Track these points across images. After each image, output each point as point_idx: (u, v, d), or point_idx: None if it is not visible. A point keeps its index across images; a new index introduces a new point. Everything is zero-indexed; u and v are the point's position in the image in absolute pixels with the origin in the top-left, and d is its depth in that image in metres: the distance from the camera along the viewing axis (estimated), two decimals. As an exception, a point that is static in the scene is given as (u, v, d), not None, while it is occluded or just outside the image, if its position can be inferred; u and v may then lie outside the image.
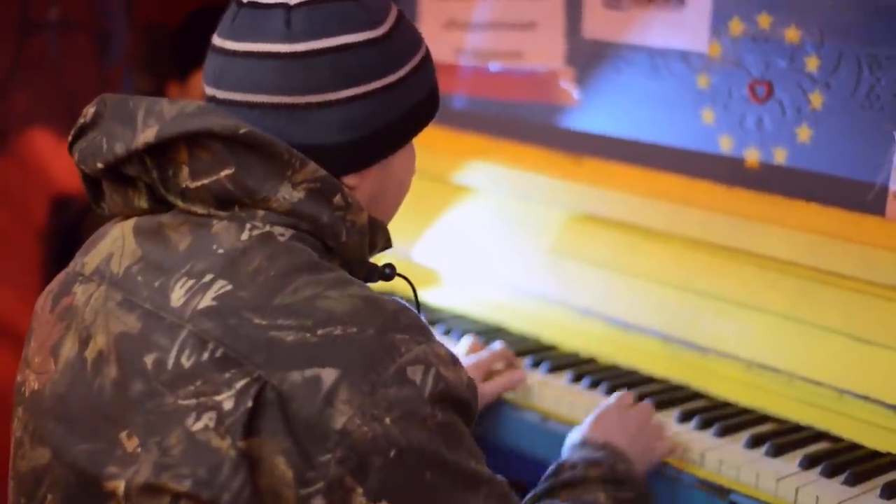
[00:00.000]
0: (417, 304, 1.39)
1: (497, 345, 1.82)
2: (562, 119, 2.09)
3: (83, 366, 1.17)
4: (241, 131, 1.14)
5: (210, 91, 1.22)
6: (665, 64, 1.91)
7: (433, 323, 2.01)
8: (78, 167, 1.23)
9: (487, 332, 1.96)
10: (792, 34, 1.75)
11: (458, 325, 2.00)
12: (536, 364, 1.85)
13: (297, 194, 1.16)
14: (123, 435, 1.12)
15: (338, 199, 1.18)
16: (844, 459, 1.53)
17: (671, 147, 1.92)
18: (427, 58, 1.27)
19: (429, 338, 1.14)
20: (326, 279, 1.13)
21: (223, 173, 1.15)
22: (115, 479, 1.11)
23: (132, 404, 1.11)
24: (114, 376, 1.14)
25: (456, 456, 1.13)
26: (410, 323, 1.13)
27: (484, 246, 2.12)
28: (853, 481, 1.47)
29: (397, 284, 1.36)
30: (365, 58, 1.19)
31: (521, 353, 1.88)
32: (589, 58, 2.03)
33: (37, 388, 1.22)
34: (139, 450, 1.10)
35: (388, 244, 1.28)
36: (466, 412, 1.16)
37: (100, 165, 1.19)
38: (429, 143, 2.28)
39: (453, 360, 1.15)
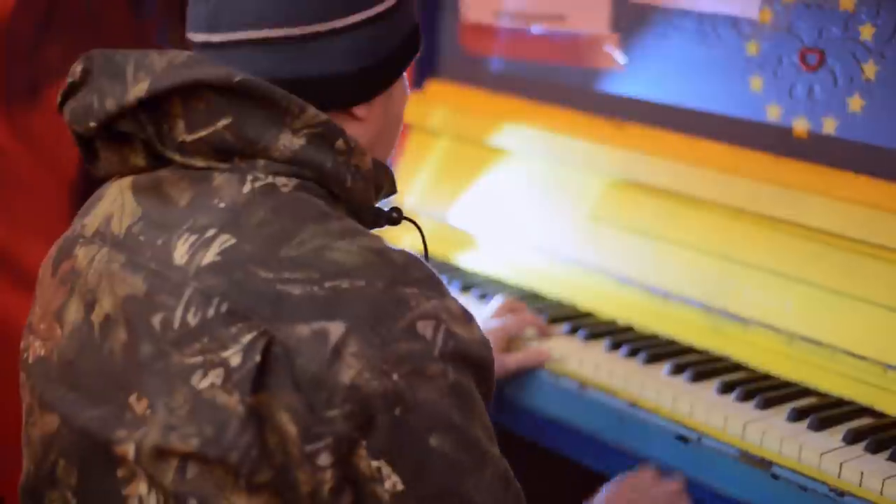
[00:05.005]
0: (426, 249, 1.36)
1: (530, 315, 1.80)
2: (605, 84, 2.05)
3: (90, 330, 1.15)
4: (236, 79, 1.11)
5: (201, 37, 1.17)
6: (714, 30, 1.88)
7: (468, 287, 1.99)
8: (70, 128, 1.19)
9: (523, 298, 1.93)
10: (847, 1, 1.71)
11: (494, 289, 1.97)
12: (574, 331, 1.83)
13: (298, 141, 1.13)
14: (133, 398, 1.09)
15: (340, 143, 1.15)
16: (889, 435, 1.50)
17: (717, 114, 1.89)
18: None
19: (441, 293, 1.11)
20: (334, 229, 1.10)
21: (220, 124, 1.12)
22: (124, 443, 1.09)
23: (142, 367, 1.09)
24: (123, 340, 1.11)
25: (465, 423, 1.08)
26: (421, 277, 1.10)
27: (521, 210, 2.09)
28: (899, 458, 1.45)
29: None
30: None
31: (557, 320, 1.86)
32: (635, 22, 2.00)
33: (43, 354, 1.20)
34: (148, 412, 1.08)
35: (393, 188, 1.25)
36: (482, 372, 1.12)
37: (92, 124, 1.15)
38: (468, 105, 2.26)
39: (467, 317, 1.11)
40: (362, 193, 1.18)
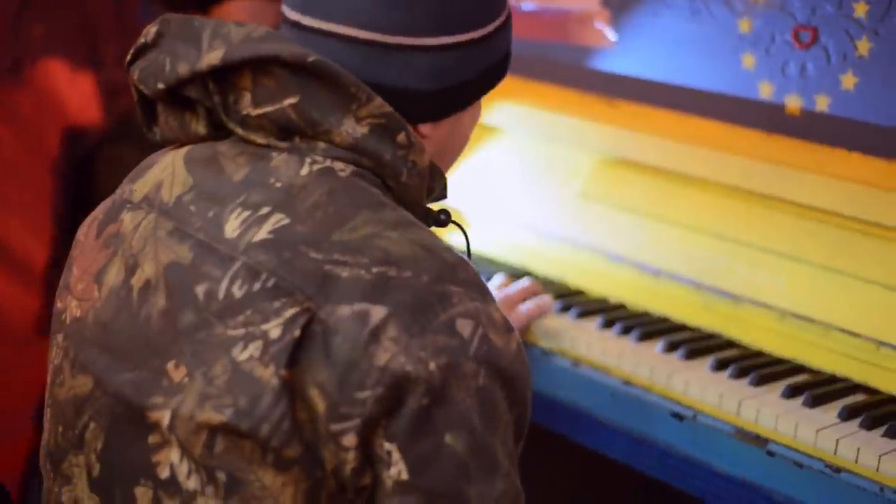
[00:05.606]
0: (469, 250, 1.37)
1: (525, 280, 1.80)
2: (596, 61, 2.05)
3: (128, 294, 1.14)
4: (310, 59, 1.11)
5: (293, 16, 1.18)
6: (706, 7, 1.87)
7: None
8: (136, 88, 1.19)
9: (514, 276, 1.93)
10: (840, -22, 1.71)
11: (484, 267, 1.97)
12: (565, 309, 1.83)
13: (361, 129, 1.13)
14: (171, 365, 1.09)
15: (401, 137, 1.15)
16: (884, 412, 1.51)
17: (709, 92, 1.88)
18: (510, 14, 1.25)
19: (485, 298, 1.10)
20: (388, 219, 1.10)
21: (287, 102, 1.12)
22: (159, 410, 1.09)
23: (181, 335, 1.09)
24: (162, 306, 1.11)
25: (484, 430, 1.07)
26: (468, 278, 1.10)
27: (511, 188, 2.09)
28: (894, 434, 1.45)
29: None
30: (469, 5, 1.17)
31: (549, 298, 1.86)
32: (626, -1, 1.99)
33: (79, 315, 1.19)
34: (186, 380, 1.08)
35: (444, 193, 1.25)
36: (511, 385, 1.10)
37: (161, 86, 1.15)
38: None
39: (506, 328, 1.11)
40: (415, 190, 1.18)
